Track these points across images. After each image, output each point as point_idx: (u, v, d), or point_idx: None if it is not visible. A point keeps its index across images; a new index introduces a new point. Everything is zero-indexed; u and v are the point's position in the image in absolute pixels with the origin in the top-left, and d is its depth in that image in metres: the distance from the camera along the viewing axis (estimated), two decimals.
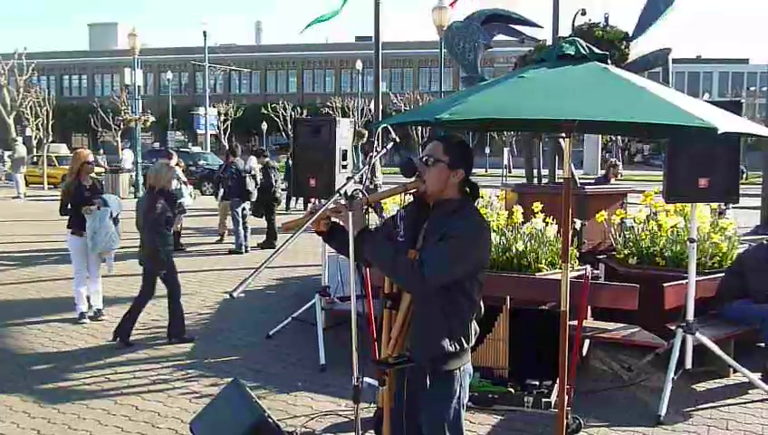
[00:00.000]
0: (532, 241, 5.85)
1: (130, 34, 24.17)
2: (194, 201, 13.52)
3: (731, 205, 7.08)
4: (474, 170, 2.77)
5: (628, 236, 6.43)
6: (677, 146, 4.86)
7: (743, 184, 5.65)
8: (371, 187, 10.52)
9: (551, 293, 5.15)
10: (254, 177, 11.65)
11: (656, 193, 6.54)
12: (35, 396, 4.95)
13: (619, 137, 31.34)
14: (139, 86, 25.88)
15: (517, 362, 4.88)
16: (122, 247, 7.62)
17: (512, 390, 4.68)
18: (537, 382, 4.73)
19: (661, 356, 5.25)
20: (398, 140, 2.93)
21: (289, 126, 34.04)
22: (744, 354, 5.36)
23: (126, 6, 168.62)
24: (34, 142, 27.30)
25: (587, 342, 5.52)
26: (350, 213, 2.55)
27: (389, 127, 3.61)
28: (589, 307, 5.43)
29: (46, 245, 11.66)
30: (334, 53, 62.53)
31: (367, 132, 14.93)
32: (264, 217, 12.08)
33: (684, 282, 5.18)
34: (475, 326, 2.71)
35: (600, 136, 33.78)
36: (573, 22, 7.88)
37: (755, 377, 5.10)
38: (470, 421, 4.39)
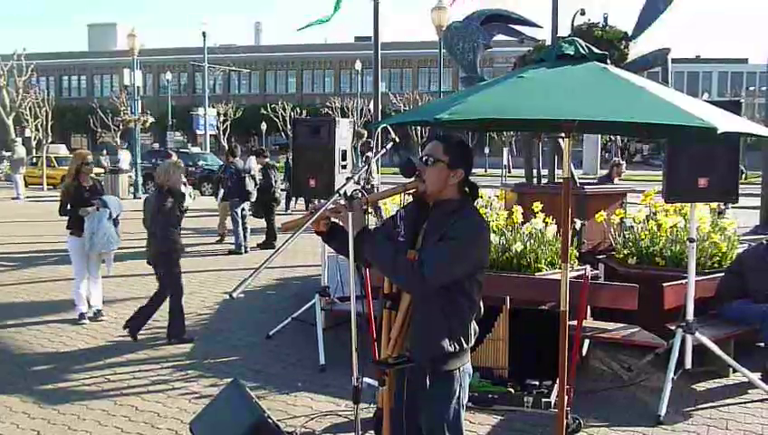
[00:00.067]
0: (532, 241, 5.85)
1: (130, 35, 24.19)
2: (193, 202, 13.51)
3: (730, 205, 7.08)
4: (473, 170, 2.77)
5: (627, 236, 6.43)
6: (677, 146, 4.86)
7: (742, 184, 5.65)
8: (368, 187, 10.52)
9: (550, 293, 5.15)
10: (253, 177, 11.65)
11: (655, 193, 6.54)
12: (35, 397, 4.95)
13: (618, 137, 31.33)
14: (138, 87, 25.92)
15: (517, 362, 4.88)
16: (122, 248, 7.62)
17: (511, 390, 4.68)
18: (537, 382, 4.72)
19: (661, 356, 5.25)
20: (397, 139, 2.93)
21: (288, 126, 34.02)
22: (744, 354, 5.36)
23: (125, 7, 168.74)
24: (34, 143, 27.27)
25: (587, 342, 5.53)
26: (350, 213, 2.55)
27: (389, 127, 3.61)
28: (588, 307, 5.43)
29: (46, 245, 11.66)
30: (334, 53, 62.52)
31: (366, 132, 14.93)
32: (263, 218, 12.09)
33: (683, 282, 5.18)
34: (474, 326, 2.71)
35: (600, 136, 33.81)
36: (572, 22, 7.88)
37: (755, 377, 5.10)
38: (470, 421, 4.39)
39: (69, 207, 6.82)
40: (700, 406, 4.84)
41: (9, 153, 23.56)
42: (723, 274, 5.89)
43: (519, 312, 4.99)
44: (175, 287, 6.38)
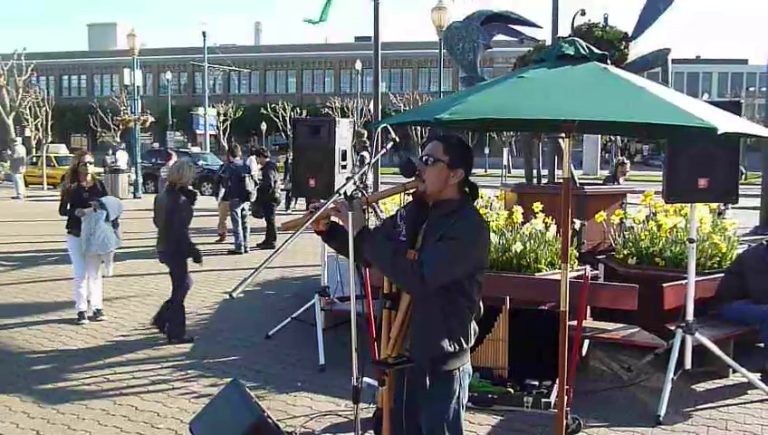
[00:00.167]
0: (532, 241, 5.86)
1: (130, 35, 24.18)
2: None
3: (730, 205, 7.08)
4: (473, 170, 2.77)
5: (627, 237, 6.43)
6: (677, 146, 4.87)
7: (742, 184, 5.65)
8: (360, 186, 10.53)
9: (550, 293, 5.15)
10: (253, 177, 11.65)
11: (655, 193, 6.55)
12: (35, 396, 4.95)
13: (618, 137, 31.34)
14: (138, 86, 25.91)
15: (517, 363, 4.88)
16: (122, 248, 7.63)
17: (511, 390, 4.68)
18: (537, 383, 4.72)
19: (660, 356, 5.25)
20: (397, 139, 2.93)
21: (288, 126, 34.03)
22: (744, 354, 5.36)
23: (125, 7, 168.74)
24: (34, 143, 27.27)
25: (586, 342, 5.53)
26: (350, 213, 2.55)
27: (389, 127, 3.61)
28: (588, 307, 5.43)
29: (46, 245, 11.66)
30: (334, 53, 62.53)
31: (366, 132, 14.94)
32: (263, 218, 12.09)
33: (683, 282, 5.18)
34: (474, 326, 2.71)
35: (600, 136, 33.80)
36: (573, 22, 7.88)
37: (755, 377, 5.10)
38: (470, 421, 4.40)
39: (69, 206, 6.83)
40: (700, 406, 4.84)
41: (9, 153, 23.55)
42: (723, 274, 5.90)
43: (519, 312, 4.98)
44: (181, 285, 6.40)
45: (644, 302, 5.13)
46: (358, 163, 11.97)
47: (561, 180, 4.54)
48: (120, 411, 4.70)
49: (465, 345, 2.65)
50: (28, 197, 22.00)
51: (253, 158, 12.18)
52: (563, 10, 8.59)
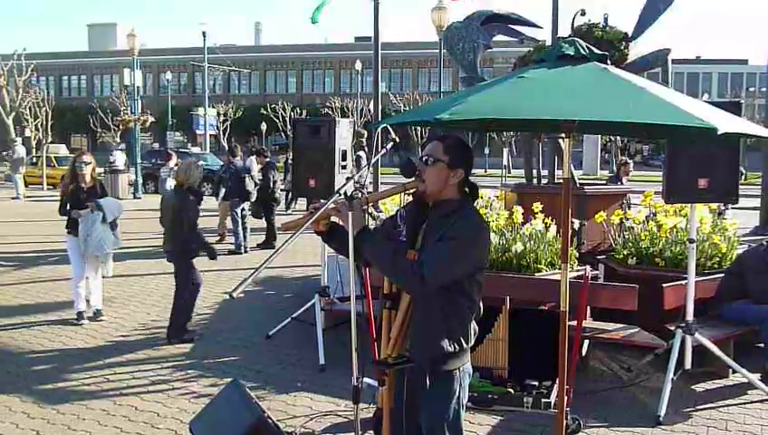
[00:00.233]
0: (532, 241, 5.86)
1: (130, 35, 24.19)
2: None
3: (730, 205, 7.08)
4: (473, 170, 2.77)
5: (627, 237, 6.43)
6: (677, 146, 4.87)
7: (742, 184, 5.66)
8: (357, 185, 10.54)
9: (550, 293, 5.15)
10: (253, 177, 11.65)
11: (655, 193, 6.55)
12: (35, 396, 4.95)
13: (618, 137, 31.35)
14: (138, 87, 25.92)
15: (517, 363, 4.88)
16: (122, 248, 7.63)
17: (511, 390, 4.68)
18: (537, 383, 4.72)
19: (660, 357, 5.24)
20: (397, 139, 2.93)
21: (288, 126, 34.04)
22: (744, 355, 5.36)
23: (125, 7, 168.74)
24: (33, 143, 27.27)
25: (586, 342, 5.53)
26: (350, 213, 2.55)
27: (389, 127, 3.61)
28: (588, 308, 5.43)
29: (46, 245, 11.66)
30: (334, 53, 62.54)
31: (366, 132, 14.95)
32: (263, 218, 12.09)
33: (683, 282, 5.18)
34: (474, 326, 2.71)
35: (600, 136, 33.81)
36: (573, 22, 7.88)
37: (755, 378, 5.10)
38: (470, 421, 4.40)
39: (68, 207, 6.83)
40: (700, 407, 4.84)
41: (9, 153, 23.55)
42: (723, 274, 5.90)
43: (519, 312, 4.98)
44: (185, 286, 6.41)
45: (644, 302, 5.13)
46: (354, 163, 11.97)
47: (561, 180, 4.54)
48: (120, 412, 4.70)
49: (465, 345, 2.65)
50: (28, 197, 22.00)
51: (253, 158, 12.18)
52: (563, 10, 8.59)
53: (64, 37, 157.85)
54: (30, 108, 26.80)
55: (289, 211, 16.97)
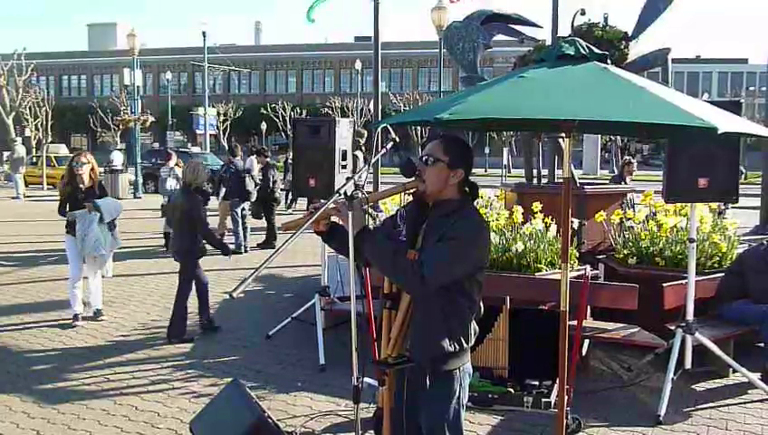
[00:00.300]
0: (532, 241, 5.85)
1: (130, 35, 24.19)
2: None
3: (730, 205, 7.08)
4: (473, 170, 2.77)
5: (627, 237, 6.43)
6: (677, 146, 4.86)
7: (742, 184, 5.65)
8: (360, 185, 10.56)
9: (550, 293, 5.15)
10: (253, 177, 11.65)
11: (655, 193, 6.55)
12: (35, 396, 4.95)
13: (618, 137, 31.35)
14: (138, 86, 25.93)
15: (517, 362, 4.88)
16: (122, 248, 7.62)
17: (511, 390, 4.68)
18: (537, 382, 4.72)
19: (661, 356, 5.25)
20: (397, 139, 2.93)
21: (288, 126, 34.05)
22: (744, 354, 5.36)
23: (125, 7, 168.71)
24: (33, 143, 27.28)
25: (586, 342, 5.52)
26: (350, 213, 2.55)
27: (389, 127, 3.61)
28: (588, 307, 5.43)
29: (46, 245, 11.66)
30: (334, 53, 62.54)
31: (366, 132, 14.95)
32: (262, 218, 12.08)
33: (683, 282, 5.18)
34: (474, 326, 2.71)
35: (600, 136, 33.81)
36: (573, 22, 7.88)
37: (755, 377, 5.10)
38: (470, 421, 4.40)
39: (67, 207, 6.82)
40: (700, 406, 4.84)
41: (9, 153, 23.55)
42: (723, 274, 5.89)
43: (519, 312, 4.98)
44: (188, 286, 6.42)
45: (644, 302, 5.13)
46: (365, 165, 11.96)
47: (561, 180, 4.54)
48: (120, 411, 4.70)
49: (465, 345, 2.65)
50: (28, 197, 22.00)
51: (253, 157, 12.18)
52: (563, 10, 8.59)
53: (64, 37, 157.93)
54: (30, 108, 26.80)
55: (290, 211, 16.97)
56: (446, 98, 3.38)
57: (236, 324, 6.94)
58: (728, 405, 4.87)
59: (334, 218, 2.67)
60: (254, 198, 11.70)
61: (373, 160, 3.21)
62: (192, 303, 6.62)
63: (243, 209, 11.53)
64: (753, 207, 13.70)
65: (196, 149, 34.69)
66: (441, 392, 2.65)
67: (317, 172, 6.13)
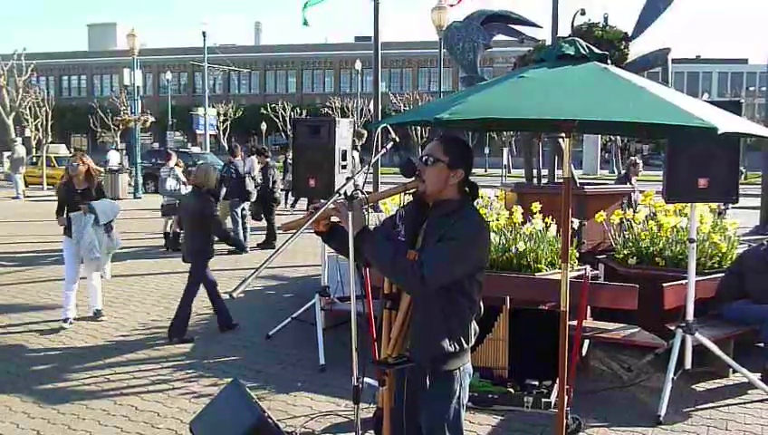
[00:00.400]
0: (532, 241, 5.85)
1: (130, 35, 24.17)
2: None
3: (730, 205, 7.08)
4: (473, 170, 2.76)
5: (627, 237, 6.43)
6: (677, 146, 4.86)
7: (742, 184, 5.66)
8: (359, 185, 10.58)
9: (550, 293, 5.15)
10: (253, 178, 11.65)
11: (655, 193, 6.55)
12: (35, 396, 4.95)
13: (618, 137, 31.34)
14: (138, 86, 25.91)
15: (517, 362, 4.88)
16: (122, 248, 7.62)
17: (511, 390, 4.68)
18: (537, 382, 4.72)
19: (661, 356, 5.24)
20: (397, 139, 2.92)
21: (288, 126, 34.06)
22: (744, 354, 5.36)
23: (125, 7, 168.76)
24: (33, 143, 27.26)
25: (587, 342, 5.52)
26: (350, 213, 2.55)
27: (389, 127, 3.60)
28: (588, 307, 5.43)
29: (45, 245, 11.66)
30: (334, 53, 62.55)
31: (366, 132, 14.96)
32: (262, 219, 12.08)
33: (683, 282, 5.18)
34: (474, 326, 2.71)
35: (600, 136, 33.80)
36: (573, 22, 7.89)
37: (755, 377, 5.10)
38: (470, 421, 4.40)
39: (65, 209, 6.83)
40: (700, 406, 4.84)
41: (9, 153, 23.54)
42: (723, 274, 5.89)
43: (519, 312, 4.98)
44: (196, 288, 6.44)
45: (644, 302, 5.13)
46: (364, 165, 11.96)
47: (561, 180, 4.54)
48: (120, 411, 4.70)
49: (465, 345, 2.65)
50: (28, 197, 22.00)
51: (254, 157, 12.18)
52: (563, 10, 8.60)
53: (64, 37, 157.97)
54: (30, 108, 26.78)
55: (290, 211, 16.97)
56: (446, 98, 3.38)
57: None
58: (728, 405, 4.87)
59: (334, 218, 2.66)
60: (254, 199, 11.70)
61: (373, 160, 3.21)
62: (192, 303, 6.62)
63: (243, 209, 11.53)
64: (753, 207, 13.70)
65: (196, 150, 34.68)
66: (441, 392, 2.65)
67: (317, 172, 6.13)
